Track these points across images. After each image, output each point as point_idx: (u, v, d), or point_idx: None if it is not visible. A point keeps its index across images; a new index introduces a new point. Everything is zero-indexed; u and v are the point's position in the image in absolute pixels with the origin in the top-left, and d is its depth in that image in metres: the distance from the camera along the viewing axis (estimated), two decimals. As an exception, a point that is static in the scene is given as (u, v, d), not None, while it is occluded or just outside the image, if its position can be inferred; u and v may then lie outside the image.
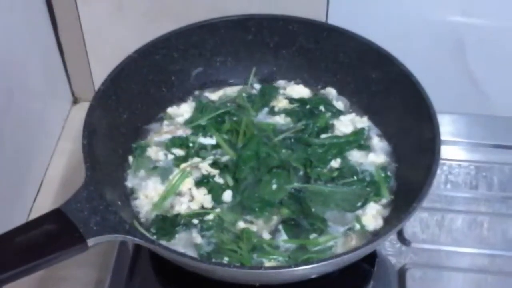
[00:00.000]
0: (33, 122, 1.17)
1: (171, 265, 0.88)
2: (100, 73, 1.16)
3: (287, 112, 1.11)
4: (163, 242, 0.94)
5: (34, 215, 1.14)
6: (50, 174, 1.23)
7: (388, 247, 1.04)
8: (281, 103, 1.13)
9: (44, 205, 1.17)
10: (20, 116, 1.11)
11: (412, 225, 1.06)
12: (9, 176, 1.08)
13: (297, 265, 0.84)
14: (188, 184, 1.00)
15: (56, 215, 0.84)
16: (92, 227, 0.83)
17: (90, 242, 0.82)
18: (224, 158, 1.04)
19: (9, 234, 0.81)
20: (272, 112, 1.12)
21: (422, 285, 1.00)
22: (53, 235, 0.82)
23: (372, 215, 0.98)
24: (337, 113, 1.12)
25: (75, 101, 1.35)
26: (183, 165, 1.02)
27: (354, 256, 0.85)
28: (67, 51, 1.26)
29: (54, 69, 1.27)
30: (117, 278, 1.00)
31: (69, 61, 1.28)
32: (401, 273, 1.01)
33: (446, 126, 1.18)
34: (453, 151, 1.18)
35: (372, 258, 0.99)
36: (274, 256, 0.92)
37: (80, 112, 1.32)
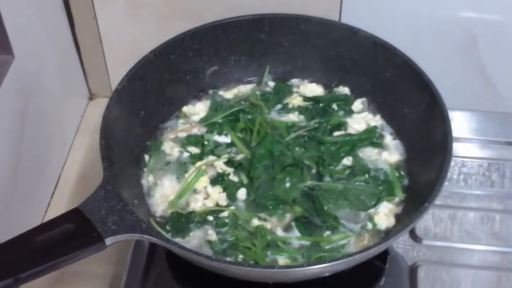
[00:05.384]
0: (51, 118, 1.19)
1: (187, 262, 0.90)
2: (116, 69, 1.18)
3: (300, 110, 1.12)
4: (178, 240, 0.96)
5: (52, 210, 1.17)
6: (67, 169, 1.24)
7: (400, 244, 1.04)
8: (295, 100, 1.14)
9: (61, 200, 1.19)
10: (38, 113, 1.12)
11: (424, 222, 1.07)
12: (28, 171, 1.09)
13: (310, 264, 0.85)
14: (203, 182, 1.02)
15: (74, 215, 0.85)
16: (110, 226, 0.84)
17: (108, 241, 0.83)
18: (239, 157, 1.05)
19: (29, 233, 0.83)
20: (286, 109, 1.13)
21: (433, 281, 1.00)
22: (72, 234, 0.83)
23: (384, 214, 0.98)
24: (350, 111, 1.12)
25: (91, 97, 1.36)
26: (198, 163, 1.04)
27: (367, 255, 0.86)
28: (84, 49, 1.27)
29: (71, 67, 1.28)
30: (134, 273, 1.01)
31: (86, 58, 1.29)
32: (413, 270, 1.01)
33: (459, 123, 1.19)
34: (466, 148, 1.18)
35: (384, 255, 0.99)
36: (288, 254, 0.94)
37: (96, 108, 1.33)
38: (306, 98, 1.14)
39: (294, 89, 1.16)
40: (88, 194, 0.88)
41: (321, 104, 1.13)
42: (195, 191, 1.02)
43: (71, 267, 0.87)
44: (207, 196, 1.01)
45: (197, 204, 1.00)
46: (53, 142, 1.21)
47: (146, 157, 1.06)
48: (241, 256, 0.93)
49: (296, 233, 0.97)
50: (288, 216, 0.99)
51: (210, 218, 0.98)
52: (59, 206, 1.17)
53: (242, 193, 1.01)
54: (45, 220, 1.15)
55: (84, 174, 1.23)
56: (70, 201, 1.18)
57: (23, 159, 1.07)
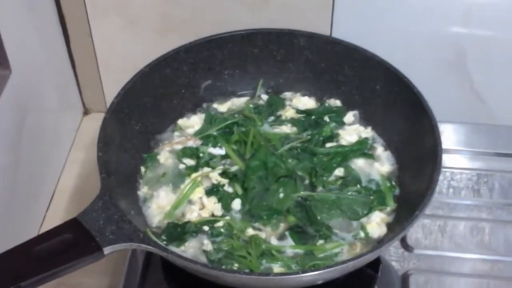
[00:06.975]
0: (46, 133, 1.20)
1: (182, 271, 0.91)
2: (111, 85, 1.18)
3: (293, 122, 1.14)
4: (174, 249, 0.97)
5: (47, 223, 1.18)
6: (62, 183, 1.26)
7: (392, 253, 1.06)
8: (288, 112, 1.16)
9: (57, 213, 1.20)
10: (34, 128, 1.14)
11: (415, 231, 1.09)
12: (23, 185, 1.10)
13: (304, 271, 0.86)
14: (199, 193, 1.03)
15: (73, 225, 0.86)
16: (108, 236, 0.85)
17: (106, 250, 0.84)
18: (233, 168, 1.06)
19: (28, 243, 0.84)
20: (279, 121, 1.15)
21: (424, 290, 1.02)
22: (71, 244, 0.84)
23: (376, 223, 1.00)
24: (342, 123, 1.14)
25: (86, 112, 1.38)
26: (194, 175, 1.05)
27: (359, 262, 0.88)
28: (79, 64, 1.29)
29: (66, 82, 1.30)
30: (129, 285, 1.01)
31: (81, 73, 1.30)
32: (405, 279, 1.03)
33: (448, 135, 1.21)
34: (455, 159, 1.20)
35: (376, 264, 1.00)
36: (282, 262, 0.95)
37: (91, 122, 1.35)
38: (298, 111, 1.16)
39: (287, 102, 1.18)
40: (83, 207, 0.89)
41: (313, 117, 1.14)
42: (190, 202, 1.03)
43: (67, 280, 0.88)
44: (202, 207, 1.02)
45: (193, 214, 1.01)
46: (49, 156, 1.22)
47: (142, 168, 1.07)
48: (236, 265, 0.94)
49: (290, 242, 0.98)
50: (282, 226, 1.01)
51: (206, 228, 0.99)
52: (54, 219, 1.17)
53: (237, 204, 1.02)
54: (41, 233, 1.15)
55: (79, 188, 1.25)
56: (65, 214, 1.19)
57: (19, 172, 1.08)
